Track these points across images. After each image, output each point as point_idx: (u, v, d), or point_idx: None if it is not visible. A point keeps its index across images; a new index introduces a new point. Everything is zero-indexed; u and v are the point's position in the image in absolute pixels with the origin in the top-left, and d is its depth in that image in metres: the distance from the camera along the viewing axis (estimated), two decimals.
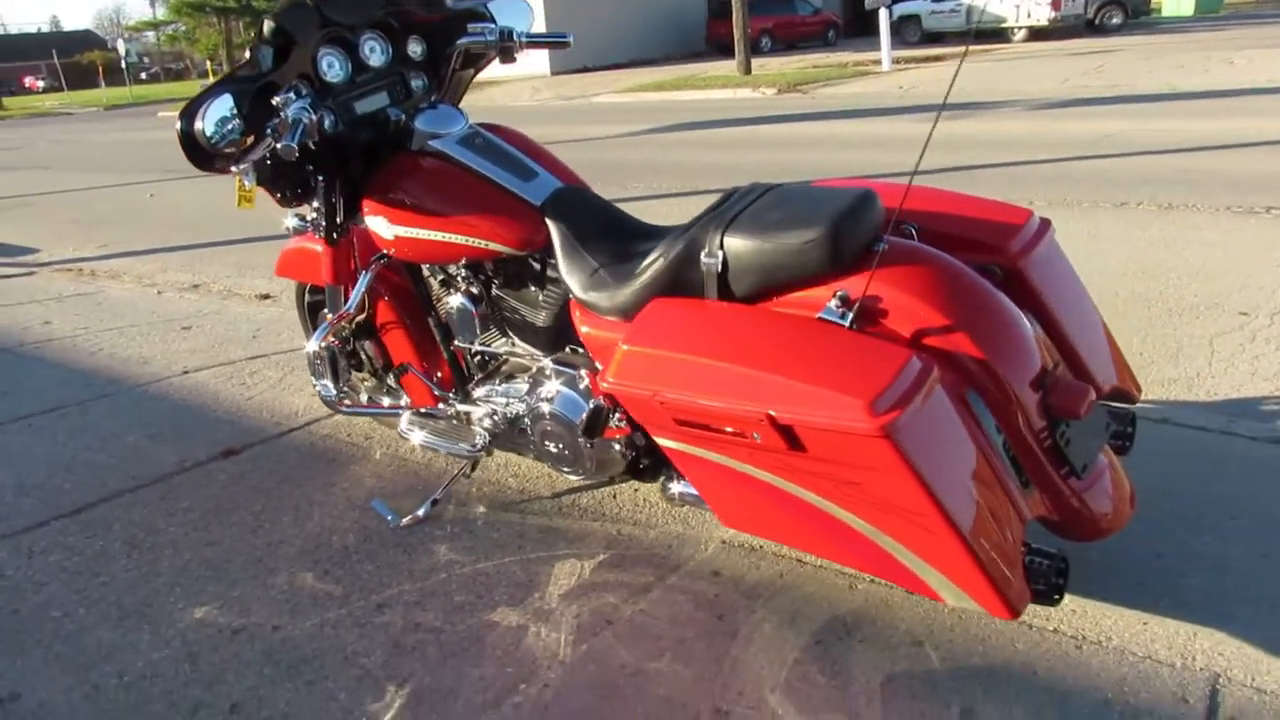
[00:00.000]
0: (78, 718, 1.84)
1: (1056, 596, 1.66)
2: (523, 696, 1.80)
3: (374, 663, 1.93)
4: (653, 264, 1.93)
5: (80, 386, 3.79)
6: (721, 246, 1.83)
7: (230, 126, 2.08)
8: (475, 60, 2.54)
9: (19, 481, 2.92)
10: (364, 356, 2.78)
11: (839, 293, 1.74)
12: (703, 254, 1.86)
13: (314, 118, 2.10)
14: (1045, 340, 1.82)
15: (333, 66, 2.31)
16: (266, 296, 5.24)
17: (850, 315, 1.70)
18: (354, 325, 2.69)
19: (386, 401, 2.77)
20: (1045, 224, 1.98)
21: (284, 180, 2.36)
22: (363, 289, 2.46)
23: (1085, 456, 1.76)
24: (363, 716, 1.78)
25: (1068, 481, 1.74)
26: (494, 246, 2.20)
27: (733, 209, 1.90)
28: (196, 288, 5.56)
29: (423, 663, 1.92)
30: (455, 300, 2.41)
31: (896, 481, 1.53)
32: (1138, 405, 2.13)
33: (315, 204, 2.42)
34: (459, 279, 2.41)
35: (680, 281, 1.90)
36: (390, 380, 2.75)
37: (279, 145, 2.02)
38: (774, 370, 1.60)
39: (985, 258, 1.89)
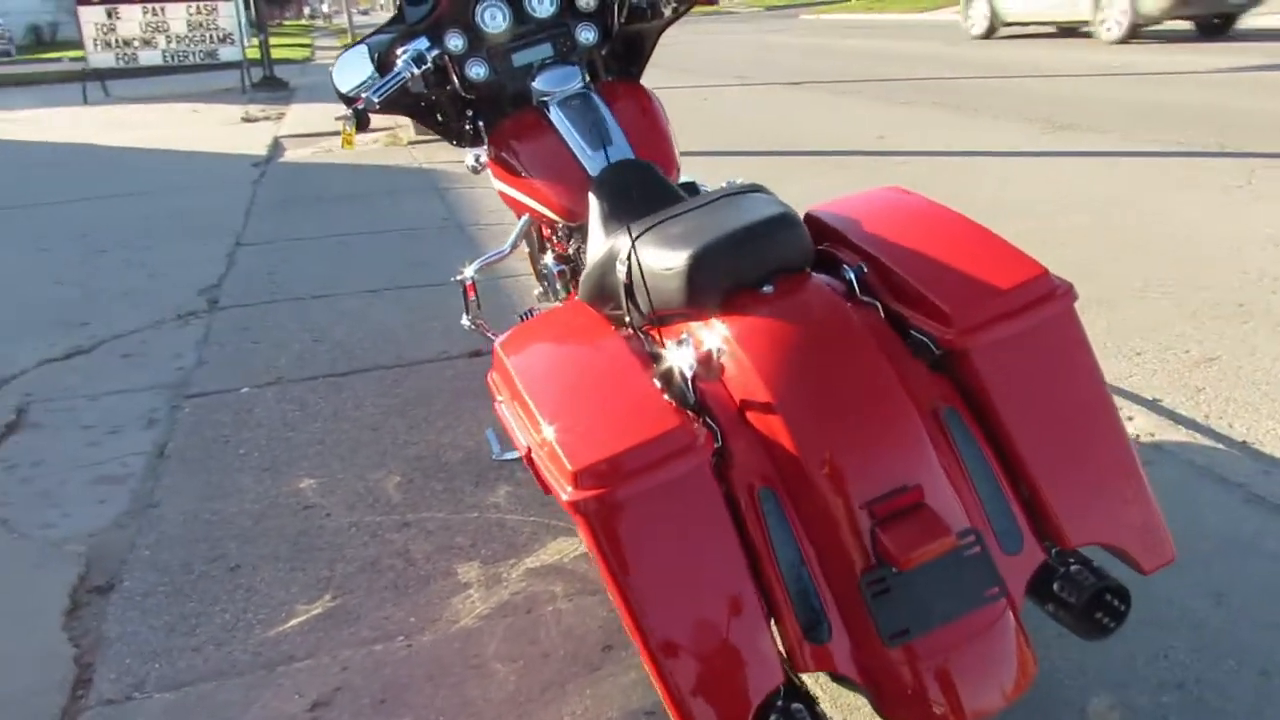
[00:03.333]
0: (166, 531, 2.38)
1: None
2: (384, 648, 1.91)
3: (342, 572, 2.17)
4: (590, 261, 1.79)
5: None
6: (630, 256, 1.64)
7: (361, 79, 2.32)
8: (643, 14, 2.45)
9: (341, 339, 3.63)
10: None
11: (683, 336, 1.49)
12: (618, 261, 1.68)
13: (415, 72, 2.25)
14: (923, 454, 1.33)
15: (495, 18, 2.41)
16: None
17: (687, 365, 1.44)
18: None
19: None
20: (1052, 295, 1.40)
21: (451, 123, 2.56)
22: (517, 231, 2.59)
23: (908, 621, 1.28)
24: (287, 612, 2.05)
25: (879, 645, 1.30)
26: (545, 211, 2.19)
27: (670, 213, 1.68)
28: None
29: (369, 587, 2.11)
30: (546, 256, 2.44)
31: (599, 563, 1.31)
32: None
33: (485, 147, 2.59)
34: (552, 237, 2.42)
35: (604, 285, 1.74)
36: None
37: (364, 96, 2.22)
38: (548, 410, 1.44)
39: (925, 325, 1.42)
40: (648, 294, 1.60)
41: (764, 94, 10.36)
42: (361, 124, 2.30)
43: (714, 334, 1.47)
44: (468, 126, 2.59)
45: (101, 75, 13.38)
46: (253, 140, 9.15)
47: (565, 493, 1.28)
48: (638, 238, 1.64)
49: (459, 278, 2.62)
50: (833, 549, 1.31)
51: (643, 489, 1.27)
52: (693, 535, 1.30)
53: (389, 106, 2.37)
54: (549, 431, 1.37)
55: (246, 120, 10.73)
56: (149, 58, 13.32)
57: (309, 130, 9.49)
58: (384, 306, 3.99)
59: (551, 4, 2.42)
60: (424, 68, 2.28)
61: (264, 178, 7.16)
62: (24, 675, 1.91)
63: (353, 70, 2.35)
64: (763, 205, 1.56)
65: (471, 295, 2.60)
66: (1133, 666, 1.70)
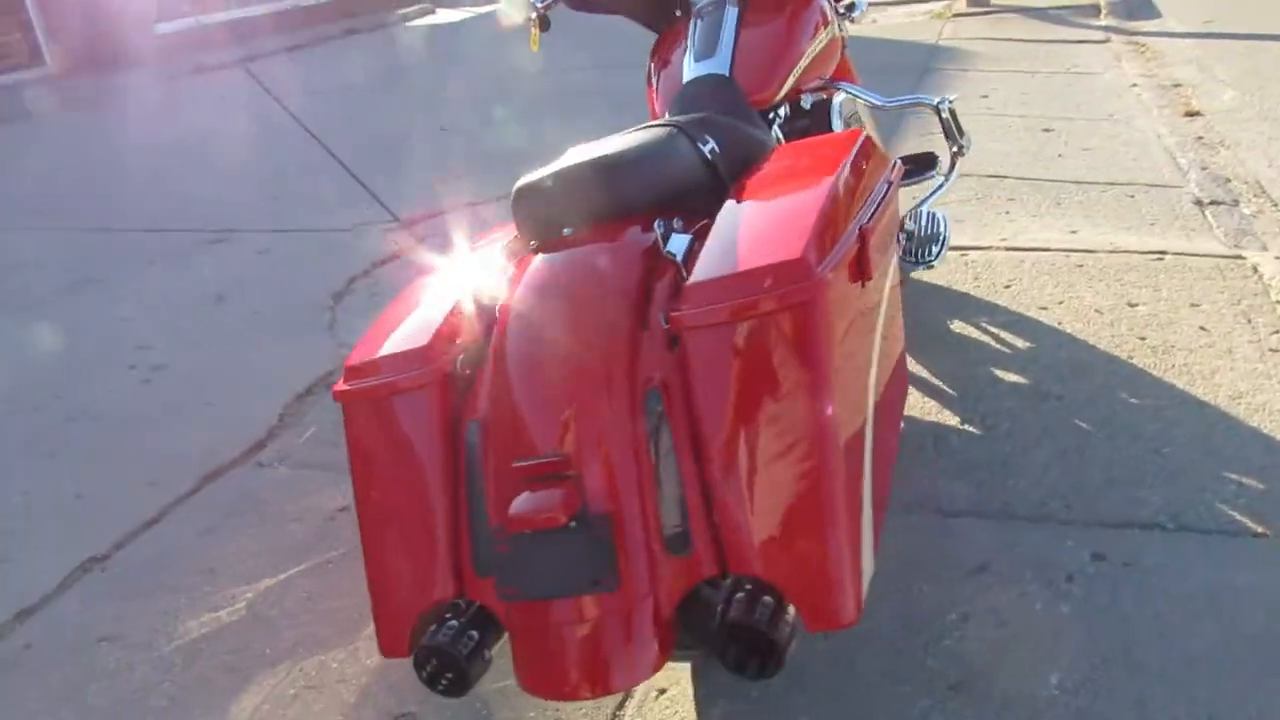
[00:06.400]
0: None
1: (442, 685, 1.34)
2: None
3: None
4: None
5: None
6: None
7: None
8: None
9: None
10: None
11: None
12: None
13: None
14: (589, 427, 1.24)
15: None
16: (1194, 114, 4.70)
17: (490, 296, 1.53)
18: None
19: None
20: (793, 286, 1.15)
21: (654, 18, 2.58)
22: None
23: (517, 583, 1.24)
24: None
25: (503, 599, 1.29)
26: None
27: (594, 142, 1.66)
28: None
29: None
30: None
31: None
32: None
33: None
34: None
35: None
36: None
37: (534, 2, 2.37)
38: (388, 311, 1.61)
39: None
40: None
41: None
42: (543, 25, 2.47)
43: (522, 269, 1.49)
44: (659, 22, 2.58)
45: None
46: None
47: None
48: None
49: None
50: (491, 494, 1.33)
51: (373, 395, 1.42)
52: (407, 446, 1.41)
53: (587, 5, 2.49)
54: (367, 337, 1.56)
55: None
56: None
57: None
58: None
59: None
60: None
61: None
62: (237, 430, 2.58)
63: None
64: (608, 146, 1.51)
65: None
66: None
